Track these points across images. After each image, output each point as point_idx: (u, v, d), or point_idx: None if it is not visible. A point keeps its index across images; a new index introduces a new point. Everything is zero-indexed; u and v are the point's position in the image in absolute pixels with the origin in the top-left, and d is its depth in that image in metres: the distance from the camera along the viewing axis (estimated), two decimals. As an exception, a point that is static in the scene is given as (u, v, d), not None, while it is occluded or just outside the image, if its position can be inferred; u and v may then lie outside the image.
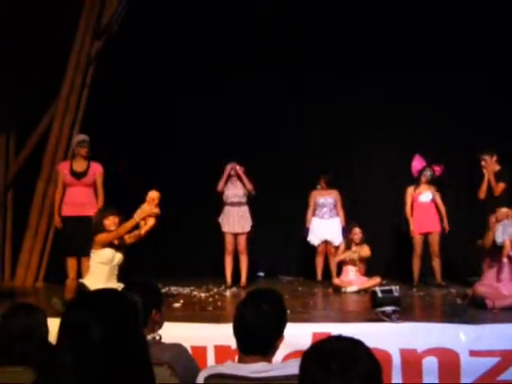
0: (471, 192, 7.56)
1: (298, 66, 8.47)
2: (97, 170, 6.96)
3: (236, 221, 7.50)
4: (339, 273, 7.57)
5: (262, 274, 8.70)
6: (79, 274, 6.62)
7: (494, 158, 7.36)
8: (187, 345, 3.04)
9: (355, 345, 1.43)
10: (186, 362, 2.61)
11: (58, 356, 1.47)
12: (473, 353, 4.51)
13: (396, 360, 4.48)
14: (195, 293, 6.97)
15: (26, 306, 2.90)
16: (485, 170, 7.34)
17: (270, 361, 2.36)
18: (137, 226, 5.94)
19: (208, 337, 4.65)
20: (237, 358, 2.41)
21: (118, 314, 1.52)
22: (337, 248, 7.80)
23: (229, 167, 7.57)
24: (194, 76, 8.45)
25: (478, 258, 6.87)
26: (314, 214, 7.99)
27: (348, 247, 7.45)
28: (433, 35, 8.29)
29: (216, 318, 5.35)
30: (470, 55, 8.24)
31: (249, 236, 7.58)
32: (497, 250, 6.08)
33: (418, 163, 7.64)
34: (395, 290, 4.97)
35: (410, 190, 7.57)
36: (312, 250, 8.05)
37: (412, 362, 4.51)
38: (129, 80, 8.20)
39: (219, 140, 8.42)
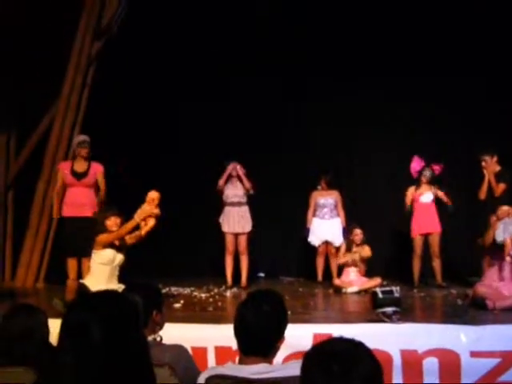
0: (471, 192, 7.55)
1: (297, 66, 8.47)
2: (97, 169, 6.97)
3: (236, 221, 7.50)
4: (340, 273, 7.56)
5: (262, 274, 8.70)
6: (79, 275, 6.63)
7: (495, 159, 7.37)
8: (187, 345, 3.04)
9: (356, 346, 1.43)
10: (186, 363, 2.61)
11: (59, 357, 1.47)
12: (473, 354, 4.51)
13: (397, 361, 4.48)
14: (195, 293, 6.96)
15: (26, 306, 2.90)
16: (485, 171, 7.34)
17: (270, 362, 2.35)
18: (137, 227, 5.94)
19: (208, 338, 4.64)
20: (237, 359, 2.41)
21: (118, 316, 1.52)
22: (337, 249, 7.80)
23: (230, 167, 7.57)
24: (194, 76, 8.45)
25: (479, 258, 6.88)
26: (314, 215, 7.99)
27: (349, 248, 7.45)
28: (433, 35, 8.29)
29: (216, 318, 5.35)
30: (470, 55, 8.24)
31: (249, 236, 7.57)
32: (497, 249, 6.07)
33: (416, 164, 7.64)
34: (396, 290, 4.97)
35: (411, 190, 7.56)
36: (312, 250, 8.05)
37: (412, 362, 4.51)
38: (129, 80, 8.21)
39: (219, 140, 8.43)
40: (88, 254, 6.11)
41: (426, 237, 7.54)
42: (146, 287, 2.88)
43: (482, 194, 7.31)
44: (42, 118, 8.00)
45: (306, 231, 7.95)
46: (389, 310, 4.83)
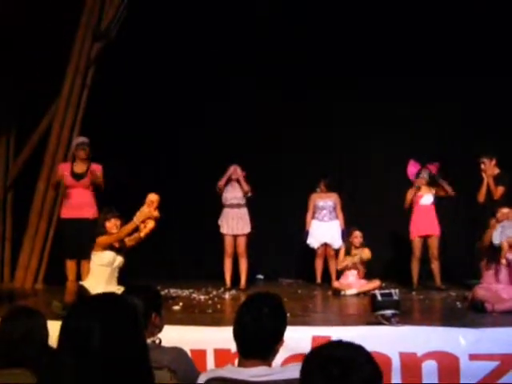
0: (470, 195, 7.56)
1: (297, 66, 8.47)
2: (96, 168, 6.97)
3: (235, 222, 7.50)
4: (339, 276, 7.56)
5: (261, 276, 8.69)
6: (78, 276, 6.63)
7: (494, 162, 7.37)
8: (187, 348, 3.03)
9: (356, 350, 1.43)
10: (185, 366, 2.61)
11: (59, 359, 1.47)
12: (472, 356, 4.51)
13: (396, 363, 4.47)
14: (194, 295, 6.96)
15: (25, 309, 2.90)
16: (484, 174, 7.34)
17: (269, 365, 2.35)
18: (136, 229, 5.95)
19: (208, 340, 4.64)
20: (237, 361, 2.41)
21: (118, 319, 1.52)
22: (336, 251, 7.79)
23: (231, 169, 7.58)
24: (194, 76, 8.46)
25: (478, 260, 6.87)
26: (313, 217, 7.99)
27: (348, 252, 7.43)
28: (433, 35, 8.30)
29: (216, 320, 5.34)
30: (470, 55, 8.24)
31: (248, 238, 7.58)
32: (494, 251, 6.06)
33: (412, 168, 7.66)
34: (395, 293, 4.96)
35: (411, 190, 7.55)
36: (311, 252, 8.04)
37: (412, 365, 4.50)
38: (129, 81, 8.21)
39: (219, 141, 8.43)
40: (87, 256, 6.12)
41: (425, 239, 7.53)
42: (146, 289, 2.88)
43: (481, 197, 7.31)
44: (41, 119, 8.00)
45: (304, 234, 7.95)
46: (388, 312, 4.83)
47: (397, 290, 5.06)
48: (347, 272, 7.40)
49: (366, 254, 7.32)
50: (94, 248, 5.74)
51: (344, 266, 7.38)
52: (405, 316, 5.16)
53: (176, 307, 6.05)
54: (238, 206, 7.56)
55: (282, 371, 2.30)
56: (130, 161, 8.23)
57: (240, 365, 2.34)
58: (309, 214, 7.97)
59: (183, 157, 8.58)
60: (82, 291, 5.46)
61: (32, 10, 7.42)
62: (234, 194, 7.57)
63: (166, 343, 2.80)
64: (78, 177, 6.96)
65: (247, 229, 7.54)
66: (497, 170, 7.34)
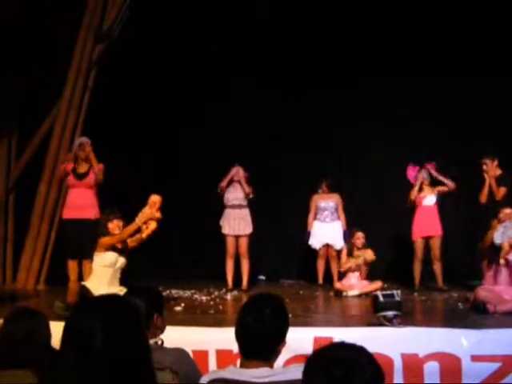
0: (472, 196, 7.55)
1: (297, 65, 8.48)
2: (98, 167, 6.99)
3: (236, 223, 7.51)
4: (341, 277, 7.56)
5: (263, 277, 8.69)
6: (80, 277, 6.64)
7: (495, 163, 7.37)
8: (188, 349, 3.04)
9: (358, 351, 1.43)
10: (187, 367, 2.61)
11: (61, 361, 1.48)
12: (474, 358, 4.50)
13: (397, 364, 4.47)
14: (196, 296, 6.96)
15: (28, 310, 2.91)
16: (486, 175, 7.33)
17: (271, 366, 2.35)
18: (138, 230, 5.96)
19: (209, 341, 4.64)
20: (238, 362, 2.41)
21: (120, 320, 1.52)
22: (338, 252, 7.79)
23: (234, 170, 7.58)
24: (196, 77, 8.47)
25: (480, 261, 6.87)
26: (315, 218, 7.98)
27: (350, 253, 7.42)
28: (433, 35, 8.31)
29: (217, 321, 5.34)
30: (470, 55, 8.25)
31: (250, 239, 7.58)
32: (496, 251, 6.06)
33: (411, 171, 7.67)
34: (397, 294, 4.96)
35: (414, 191, 7.55)
36: (313, 253, 8.04)
37: (413, 366, 4.50)
38: (130, 83, 8.22)
39: (219, 141, 8.44)
40: (88, 256, 6.13)
41: (426, 240, 7.53)
42: (148, 291, 2.88)
43: (483, 198, 7.31)
44: (43, 121, 8.01)
45: (306, 235, 7.95)
46: (390, 313, 4.82)
47: (399, 291, 5.05)
48: (349, 273, 7.39)
49: (370, 255, 7.31)
50: (96, 249, 5.75)
51: (347, 268, 7.37)
52: (407, 317, 5.15)
53: (178, 308, 6.05)
54: (240, 206, 7.57)
55: (283, 372, 2.30)
56: (132, 162, 8.24)
57: (242, 366, 2.33)
58: (310, 215, 7.97)
59: (184, 157, 8.59)
60: (85, 292, 5.47)
61: (34, 11, 7.43)
62: (235, 194, 7.58)
63: (167, 344, 2.80)
64: (79, 176, 6.99)
65: (249, 229, 7.54)
66: (499, 171, 7.34)
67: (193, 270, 8.27)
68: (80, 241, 6.68)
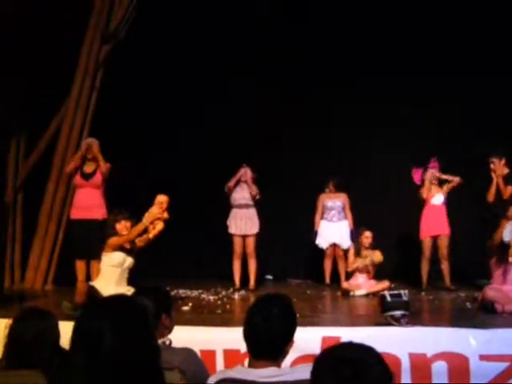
0: (480, 195, 7.53)
1: (297, 65, 8.47)
2: (105, 166, 7.01)
3: (243, 223, 7.52)
4: (348, 276, 7.55)
5: (270, 277, 8.70)
6: (88, 277, 6.66)
7: (503, 161, 7.34)
8: (196, 349, 3.04)
9: (366, 351, 1.44)
10: (195, 367, 2.62)
11: (71, 361, 1.49)
12: (483, 357, 4.49)
13: (405, 364, 4.47)
14: (204, 296, 6.97)
15: (37, 310, 2.91)
16: (493, 173, 7.31)
17: (279, 365, 2.36)
18: (145, 230, 5.97)
19: (217, 340, 4.64)
20: (246, 362, 2.41)
21: (129, 320, 1.53)
22: (345, 251, 7.78)
23: (242, 171, 7.60)
24: (197, 77, 8.48)
25: (488, 260, 6.84)
26: (322, 217, 7.98)
27: (358, 252, 7.40)
28: (433, 35, 8.29)
29: (225, 321, 5.35)
30: (470, 55, 8.23)
31: (257, 239, 7.59)
32: (504, 249, 6.03)
33: (416, 174, 7.66)
34: (404, 294, 4.95)
35: (425, 190, 7.53)
36: (320, 253, 8.04)
37: (421, 366, 4.49)
38: (137, 83, 8.24)
39: (219, 141, 8.46)
40: (96, 256, 6.15)
41: (434, 239, 7.51)
42: (156, 291, 2.88)
43: (491, 197, 7.28)
44: (51, 121, 8.04)
45: (313, 234, 7.95)
46: (397, 313, 4.82)
47: (406, 291, 5.04)
48: (357, 273, 7.38)
49: (378, 256, 7.29)
50: (104, 249, 5.77)
51: (355, 268, 7.36)
52: (414, 317, 5.15)
53: (185, 308, 6.06)
54: (247, 206, 7.58)
55: (291, 372, 2.31)
56: (138, 161, 8.26)
57: (250, 366, 2.34)
58: (317, 215, 7.97)
59: (189, 157, 8.60)
60: (93, 292, 5.49)
61: (41, 12, 7.45)
62: (242, 194, 7.59)
63: (175, 344, 2.80)
64: (86, 176, 7.01)
65: (255, 229, 7.55)
66: (506, 170, 7.31)
67: (200, 269, 8.28)
68: (87, 241, 6.70)
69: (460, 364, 4.49)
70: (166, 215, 6.04)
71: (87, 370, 1.45)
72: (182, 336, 3.40)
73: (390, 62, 8.32)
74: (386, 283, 7.09)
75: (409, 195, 7.74)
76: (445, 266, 7.44)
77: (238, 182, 7.61)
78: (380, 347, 1.55)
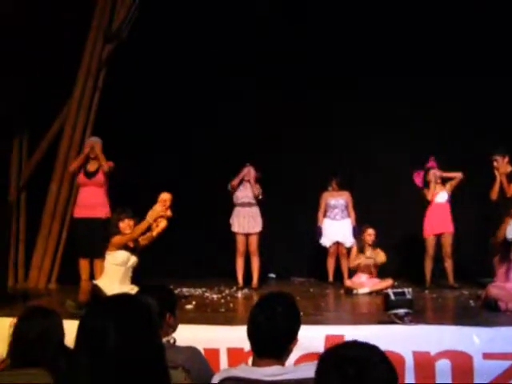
0: (483, 193, 7.52)
1: (297, 65, 8.47)
2: (107, 164, 7.02)
3: (246, 221, 7.53)
4: (351, 274, 7.55)
5: (273, 275, 8.71)
6: (92, 275, 6.67)
7: (506, 159, 7.33)
8: (200, 347, 3.05)
9: (371, 350, 1.44)
10: (200, 365, 2.62)
11: (75, 360, 1.49)
12: (486, 355, 4.48)
13: (409, 362, 4.47)
14: (207, 294, 6.98)
15: (41, 309, 2.92)
16: (497, 171, 7.30)
17: (283, 364, 2.36)
18: (149, 228, 5.98)
19: (221, 339, 4.65)
20: (250, 360, 2.41)
21: (133, 319, 1.53)
22: (348, 249, 7.78)
23: (245, 170, 7.60)
24: (198, 77, 8.47)
25: (491, 258, 6.84)
26: (325, 216, 7.99)
27: (361, 250, 7.40)
28: (433, 35, 8.28)
29: (228, 319, 5.36)
30: (470, 55, 8.22)
31: (260, 237, 7.59)
32: (508, 247, 6.03)
33: (418, 177, 7.66)
34: (408, 292, 4.95)
35: (430, 190, 7.53)
36: (323, 251, 8.04)
37: (425, 364, 4.49)
38: (139, 82, 8.25)
39: (220, 141, 8.46)
40: (100, 255, 6.16)
41: (438, 237, 7.51)
42: (160, 289, 2.89)
43: (494, 195, 7.27)
44: (53, 121, 8.05)
45: (317, 230, 7.93)
46: (401, 311, 4.82)
47: (410, 289, 5.05)
48: (359, 272, 7.38)
49: (381, 257, 7.29)
50: (108, 248, 5.78)
51: (356, 265, 7.35)
52: (418, 315, 5.15)
53: (189, 306, 6.07)
54: (250, 204, 7.59)
55: (295, 370, 2.31)
56: (141, 161, 8.27)
57: (254, 364, 2.34)
58: (320, 212, 7.97)
59: (194, 156, 8.61)
60: (96, 291, 5.50)
61: (41, 12, 7.46)
62: (245, 193, 7.60)
63: (179, 342, 2.81)
64: (89, 175, 7.03)
65: (258, 227, 7.56)
66: (510, 168, 7.30)
67: (203, 268, 8.29)
68: (91, 240, 6.71)
69: (464, 362, 4.48)
70: (169, 213, 6.04)
71: (91, 369, 1.45)
72: (186, 335, 3.40)
73: (390, 62, 8.31)
74: (389, 281, 7.09)
75: (410, 194, 7.74)
76: (448, 264, 7.44)
77: (241, 181, 7.62)
78: (383, 345, 1.56)
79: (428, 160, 7.67)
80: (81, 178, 7.08)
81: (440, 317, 5.84)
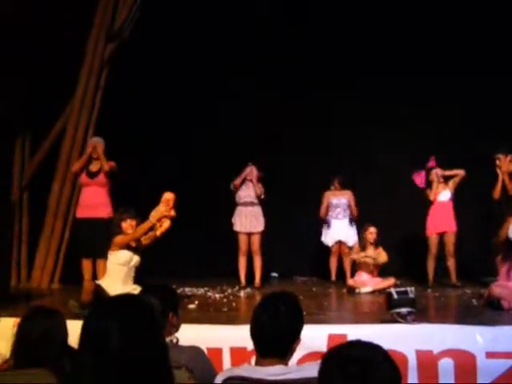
0: (485, 192, 7.51)
1: (297, 65, 8.46)
2: (108, 164, 7.02)
3: (248, 220, 7.53)
4: (353, 273, 7.55)
5: (275, 274, 8.71)
6: (94, 275, 6.68)
7: (509, 158, 7.33)
8: (203, 346, 3.04)
9: (374, 349, 1.44)
10: (203, 365, 2.62)
11: (79, 360, 1.50)
12: (489, 354, 4.48)
13: (412, 361, 4.46)
14: (210, 294, 6.98)
15: (45, 309, 2.92)
16: (499, 170, 7.29)
17: (286, 363, 2.36)
18: (152, 228, 5.97)
19: (223, 338, 4.65)
20: (253, 360, 2.42)
21: (136, 319, 1.54)
22: (351, 248, 7.79)
23: (248, 169, 7.61)
24: (199, 77, 8.48)
25: (494, 257, 6.83)
26: (327, 215, 7.99)
27: (363, 249, 7.40)
28: (433, 35, 8.29)
29: (231, 319, 5.36)
30: (470, 55, 8.22)
31: (262, 236, 7.60)
32: (510, 246, 6.02)
33: (419, 177, 7.65)
34: (410, 291, 4.95)
35: (433, 190, 7.53)
36: (326, 250, 8.05)
37: (428, 363, 4.49)
38: (141, 82, 8.25)
39: (220, 141, 8.46)
40: (102, 255, 6.16)
41: (441, 236, 7.50)
42: (162, 289, 2.89)
43: (496, 193, 7.27)
44: (56, 120, 8.06)
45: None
46: (403, 310, 4.81)
47: (412, 288, 5.04)
48: (361, 271, 7.38)
49: (383, 257, 7.30)
50: (110, 247, 5.78)
51: (356, 258, 7.35)
52: (420, 314, 5.14)
53: (191, 306, 6.07)
54: (252, 204, 7.59)
55: (298, 370, 2.31)
56: (143, 161, 8.27)
57: (257, 364, 2.35)
58: (322, 210, 7.95)
59: (194, 156, 8.61)
60: (99, 291, 5.50)
61: (43, 11, 7.47)
62: (247, 192, 7.60)
63: (181, 342, 2.81)
64: (91, 175, 7.03)
65: (261, 227, 7.56)
66: (512, 166, 7.30)
67: (206, 267, 8.29)
68: (93, 240, 6.71)
69: (466, 361, 4.48)
70: (173, 213, 6.04)
71: (95, 370, 1.45)
72: (189, 334, 3.40)
73: (390, 62, 8.31)
74: (391, 280, 7.09)
75: (411, 194, 7.73)
76: (451, 263, 7.44)
77: (243, 181, 7.63)
78: (386, 344, 1.56)
79: (428, 160, 7.66)
80: (83, 177, 7.09)
81: (443, 316, 5.84)
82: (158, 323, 1.62)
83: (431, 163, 7.63)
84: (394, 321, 4.85)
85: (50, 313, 2.79)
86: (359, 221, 7.84)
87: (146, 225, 5.80)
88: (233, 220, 7.62)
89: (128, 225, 5.77)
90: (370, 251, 7.33)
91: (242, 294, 7.12)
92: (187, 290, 7.15)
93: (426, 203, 7.61)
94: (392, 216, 8.21)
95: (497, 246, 6.38)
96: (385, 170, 8.47)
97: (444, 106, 8.31)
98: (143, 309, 1.58)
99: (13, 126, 8.00)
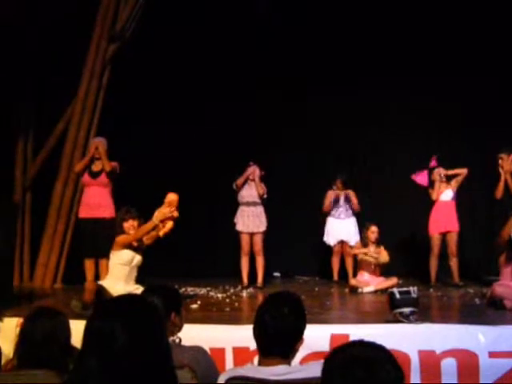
0: (488, 191, 7.50)
1: (297, 65, 8.47)
2: (110, 165, 7.02)
3: (251, 220, 7.53)
4: (355, 273, 7.55)
5: (278, 274, 8.71)
6: (97, 275, 6.69)
7: (511, 157, 7.31)
8: (205, 346, 3.05)
9: (377, 350, 1.44)
10: (205, 365, 2.62)
11: (84, 361, 1.50)
12: (492, 354, 4.48)
13: (414, 361, 4.46)
14: (212, 293, 6.98)
15: (48, 309, 2.92)
16: (501, 170, 7.29)
17: (289, 363, 2.36)
18: (154, 228, 5.98)
19: (226, 338, 4.65)
20: (256, 360, 2.42)
21: (139, 320, 1.54)
22: (353, 248, 7.78)
23: (250, 169, 7.61)
24: (200, 76, 8.48)
25: (496, 256, 6.82)
26: (329, 214, 7.99)
27: (365, 247, 7.40)
28: (433, 35, 8.30)
29: (233, 318, 5.36)
30: (470, 55, 8.24)
31: (264, 236, 7.60)
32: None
33: (420, 178, 7.64)
34: (413, 291, 4.94)
35: (436, 189, 7.52)
36: (328, 249, 8.05)
37: (431, 363, 4.48)
38: (143, 82, 8.26)
39: (229, 141, 8.47)
40: (105, 255, 6.17)
41: (443, 235, 7.49)
42: (165, 289, 2.89)
43: (499, 193, 7.26)
44: (58, 121, 8.07)
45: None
46: (406, 310, 4.81)
47: (415, 288, 5.03)
48: (362, 271, 7.37)
49: (384, 257, 7.29)
50: (112, 247, 5.78)
51: (357, 253, 7.35)
52: (423, 313, 5.14)
53: (194, 306, 6.07)
54: (254, 204, 7.59)
55: (301, 370, 2.31)
56: (144, 160, 8.28)
57: (260, 363, 2.35)
58: (326, 204, 7.94)
59: (196, 156, 8.61)
60: (102, 291, 5.50)
61: (44, 11, 7.47)
62: (250, 192, 7.60)
63: (184, 342, 2.81)
64: (94, 175, 7.04)
65: (263, 227, 7.56)
66: (515, 166, 7.28)
67: (208, 267, 8.30)
68: (96, 240, 6.73)
69: (469, 361, 4.48)
70: (176, 214, 6.05)
71: (99, 370, 1.46)
72: (191, 334, 3.41)
73: (389, 62, 8.33)
74: (394, 280, 7.09)
75: (412, 193, 7.75)
76: (453, 263, 7.43)
77: (246, 180, 7.63)
78: (389, 344, 1.56)
79: (430, 160, 7.66)
80: (85, 178, 7.10)
81: (445, 315, 5.83)
82: (162, 323, 1.62)
83: (433, 163, 7.63)
84: (396, 320, 4.85)
85: (53, 313, 2.79)
86: (361, 220, 7.83)
87: (148, 225, 5.81)
88: (235, 220, 7.63)
89: (130, 225, 5.78)
90: (372, 250, 7.32)
91: (244, 293, 7.12)
92: (190, 289, 7.16)
93: (429, 202, 7.61)
94: (394, 215, 8.21)
95: (499, 245, 6.37)
96: (386, 170, 8.47)
97: (444, 106, 8.30)
98: (147, 309, 1.58)
99: (15, 126, 8.01)
